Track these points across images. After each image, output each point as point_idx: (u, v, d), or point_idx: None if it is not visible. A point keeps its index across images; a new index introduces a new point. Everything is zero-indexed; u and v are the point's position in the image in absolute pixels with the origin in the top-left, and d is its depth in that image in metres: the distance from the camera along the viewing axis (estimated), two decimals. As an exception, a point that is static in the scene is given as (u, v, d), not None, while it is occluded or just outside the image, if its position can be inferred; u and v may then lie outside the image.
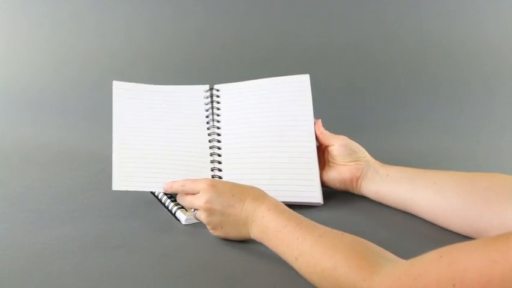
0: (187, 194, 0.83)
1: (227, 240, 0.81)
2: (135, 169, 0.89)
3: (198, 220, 0.83)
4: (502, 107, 1.46)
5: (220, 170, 0.93)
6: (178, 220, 0.88)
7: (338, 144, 0.93)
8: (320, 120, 0.96)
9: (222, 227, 0.78)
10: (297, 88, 0.99)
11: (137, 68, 1.53)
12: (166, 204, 0.91)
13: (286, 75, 1.01)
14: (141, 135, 0.93)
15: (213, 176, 0.92)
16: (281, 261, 0.75)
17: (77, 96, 1.48)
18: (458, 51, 1.54)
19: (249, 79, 1.02)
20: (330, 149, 0.93)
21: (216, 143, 0.95)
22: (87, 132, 1.33)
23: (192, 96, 1.00)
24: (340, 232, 0.66)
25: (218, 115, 0.98)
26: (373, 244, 0.63)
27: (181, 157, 0.92)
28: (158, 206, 0.92)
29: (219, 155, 0.94)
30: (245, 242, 0.80)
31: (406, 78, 1.51)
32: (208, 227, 0.80)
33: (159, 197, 0.94)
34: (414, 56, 1.53)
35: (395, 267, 0.56)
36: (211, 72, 1.47)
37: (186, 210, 0.88)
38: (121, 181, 0.88)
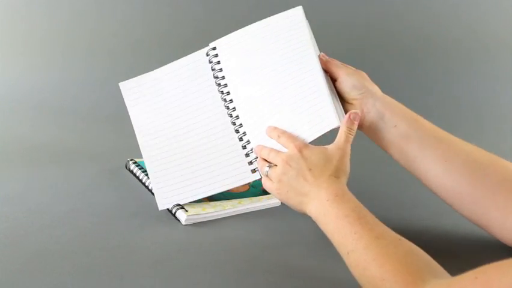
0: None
1: (226, 240, 0.81)
2: (172, 184, 0.90)
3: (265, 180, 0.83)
4: (503, 107, 1.46)
5: (248, 141, 0.90)
6: (178, 220, 0.88)
7: (340, 81, 0.86)
8: (322, 53, 0.90)
9: (287, 191, 0.78)
10: (290, 23, 0.92)
11: (138, 67, 1.53)
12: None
13: None
14: (164, 139, 0.94)
15: (243, 147, 0.91)
16: (281, 261, 0.75)
17: (77, 96, 1.48)
18: (458, 51, 1.54)
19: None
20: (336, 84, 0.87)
21: (231, 106, 0.93)
22: (87, 132, 1.33)
23: (197, 66, 0.97)
24: (398, 237, 0.65)
25: (223, 77, 0.94)
26: (426, 256, 0.63)
27: (206, 145, 0.92)
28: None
29: (241, 125, 0.92)
30: (245, 242, 0.80)
31: (406, 77, 1.51)
32: (274, 186, 0.80)
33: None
34: (414, 55, 1.54)
35: (435, 286, 0.57)
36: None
37: (186, 210, 0.88)
38: (163, 199, 0.89)
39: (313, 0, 1.53)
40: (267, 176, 0.82)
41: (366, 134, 0.85)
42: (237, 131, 0.92)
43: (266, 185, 0.82)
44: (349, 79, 0.85)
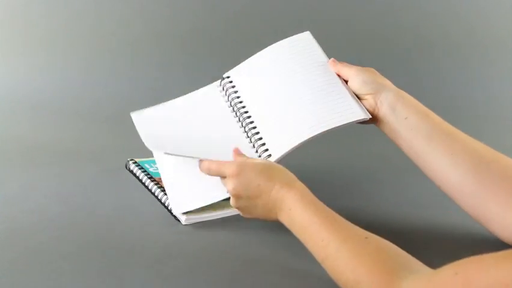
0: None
1: (226, 241, 0.81)
2: (186, 190, 0.89)
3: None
4: (503, 107, 1.46)
5: (266, 149, 0.88)
6: (178, 220, 0.88)
7: (351, 80, 0.88)
8: (332, 58, 0.92)
9: (250, 213, 0.78)
10: (302, 44, 0.96)
11: (138, 67, 1.53)
12: (166, 204, 0.91)
13: None
14: (179, 157, 0.91)
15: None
16: (280, 261, 0.75)
17: (77, 96, 1.48)
18: (457, 51, 1.54)
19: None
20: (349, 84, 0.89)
21: (250, 126, 0.91)
22: (87, 132, 1.33)
23: (210, 98, 0.98)
24: (364, 236, 0.65)
25: (241, 102, 0.95)
26: (395, 249, 0.63)
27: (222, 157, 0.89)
28: (158, 206, 0.92)
29: (258, 134, 0.90)
30: (244, 243, 0.80)
31: (405, 77, 1.50)
32: (243, 215, 0.80)
33: (159, 197, 0.94)
34: (412, 55, 1.54)
35: (413, 282, 0.56)
36: (211, 69, 1.47)
37: (186, 210, 0.88)
38: (178, 205, 0.88)
39: (313, 0, 1.54)
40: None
41: (380, 127, 0.86)
42: (256, 151, 0.89)
43: (242, 215, 0.81)
44: (359, 77, 0.87)
